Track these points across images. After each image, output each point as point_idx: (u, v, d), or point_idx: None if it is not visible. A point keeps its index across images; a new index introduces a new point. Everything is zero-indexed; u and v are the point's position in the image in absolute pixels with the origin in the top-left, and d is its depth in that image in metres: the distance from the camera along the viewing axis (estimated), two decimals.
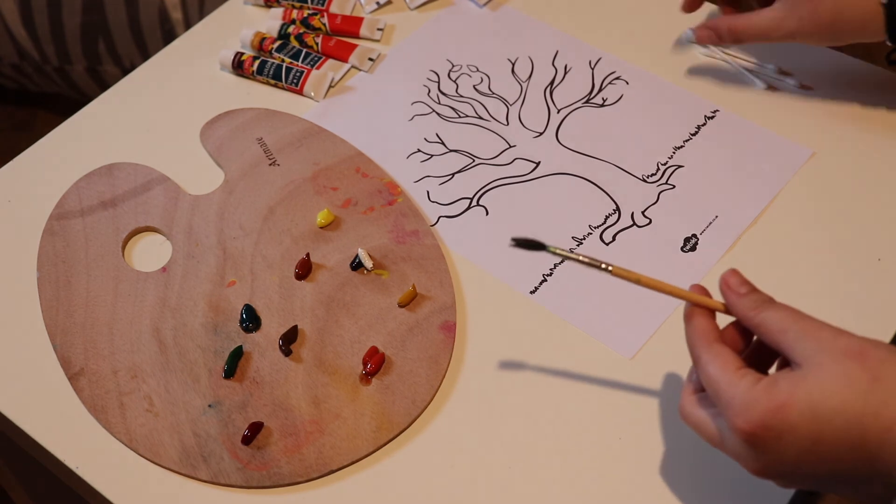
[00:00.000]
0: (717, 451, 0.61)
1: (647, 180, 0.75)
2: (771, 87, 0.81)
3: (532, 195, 0.75)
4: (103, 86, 1.33)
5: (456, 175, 0.77)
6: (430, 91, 0.83)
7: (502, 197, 0.75)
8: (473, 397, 0.64)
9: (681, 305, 0.67)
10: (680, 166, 0.76)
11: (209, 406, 0.63)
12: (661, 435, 0.62)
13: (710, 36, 0.76)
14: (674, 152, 0.77)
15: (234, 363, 0.65)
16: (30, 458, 0.67)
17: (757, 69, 0.83)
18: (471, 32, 0.87)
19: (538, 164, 0.77)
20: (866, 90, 0.80)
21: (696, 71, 0.83)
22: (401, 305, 0.68)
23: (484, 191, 0.75)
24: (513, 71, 0.84)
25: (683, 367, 0.64)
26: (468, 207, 0.75)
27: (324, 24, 0.86)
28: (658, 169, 0.76)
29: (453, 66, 0.84)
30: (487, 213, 0.74)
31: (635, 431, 0.62)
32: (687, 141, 0.78)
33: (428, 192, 0.76)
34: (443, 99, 0.82)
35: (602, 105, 0.81)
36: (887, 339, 0.66)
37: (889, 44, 0.70)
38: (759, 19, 0.73)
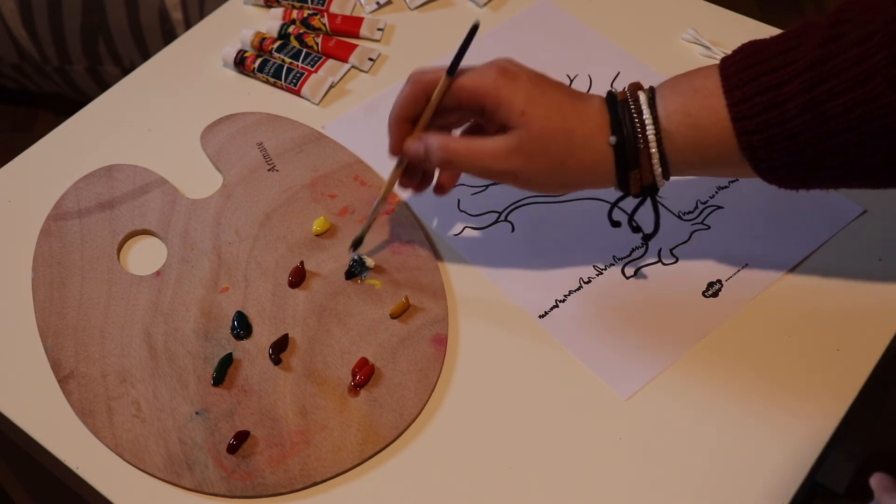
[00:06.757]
0: (716, 451, 0.61)
1: (683, 217, 0.73)
2: None
3: (562, 216, 0.73)
4: (103, 86, 1.33)
5: (490, 187, 0.75)
6: None
7: (532, 215, 0.74)
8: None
9: (686, 354, 0.66)
10: (720, 207, 0.73)
11: (196, 413, 0.63)
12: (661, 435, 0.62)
13: (417, 149, 0.64)
14: (717, 192, 0.74)
15: (224, 370, 0.64)
16: (30, 458, 0.67)
17: None
18: (536, 41, 0.85)
19: None
20: None
21: None
22: (393, 317, 0.67)
23: (515, 206, 0.74)
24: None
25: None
26: (495, 221, 0.73)
27: (324, 25, 0.86)
28: (696, 207, 0.73)
29: None
30: (513, 230, 0.73)
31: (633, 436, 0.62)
32: (733, 182, 0.74)
33: (459, 201, 0.75)
34: None
35: None
36: (887, 340, 0.65)
37: (617, 189, 0.63)
38: (481, 145, 0.62)
